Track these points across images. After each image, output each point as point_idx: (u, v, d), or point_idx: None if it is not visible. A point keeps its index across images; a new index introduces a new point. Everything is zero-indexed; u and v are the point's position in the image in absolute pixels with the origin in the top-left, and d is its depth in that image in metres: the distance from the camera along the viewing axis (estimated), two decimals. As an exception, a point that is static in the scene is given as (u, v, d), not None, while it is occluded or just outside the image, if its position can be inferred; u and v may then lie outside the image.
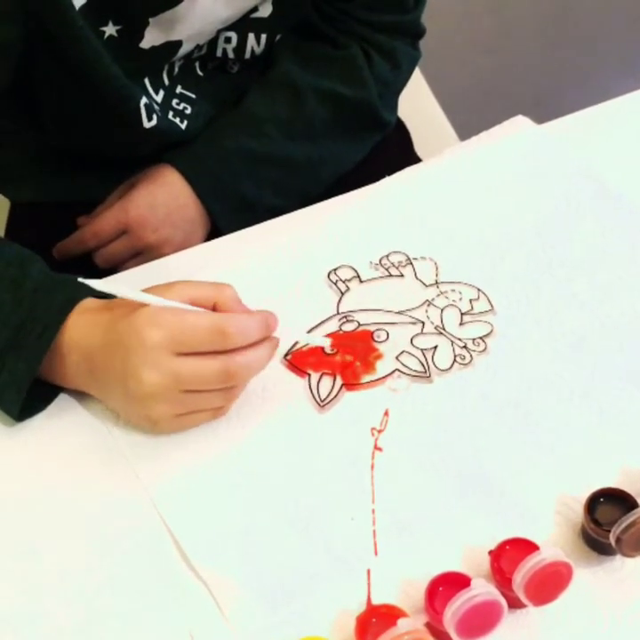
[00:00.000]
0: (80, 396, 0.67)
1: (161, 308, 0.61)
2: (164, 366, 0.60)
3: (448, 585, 0.55)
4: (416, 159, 1.03)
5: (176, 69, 0.86)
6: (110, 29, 0.76)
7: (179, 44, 0.81)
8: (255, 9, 0.83)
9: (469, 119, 1.14)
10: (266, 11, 0.84)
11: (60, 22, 0.71)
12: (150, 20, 0.77)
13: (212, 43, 0.85)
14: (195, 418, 0.64)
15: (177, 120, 0.86)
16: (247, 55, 0.87)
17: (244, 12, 0.82)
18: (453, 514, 0.61)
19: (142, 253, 0.88)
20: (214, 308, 0.63)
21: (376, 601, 0.57)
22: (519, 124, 0.87)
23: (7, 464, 0.65)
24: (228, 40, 0.85)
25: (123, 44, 0.77)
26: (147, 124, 0.82)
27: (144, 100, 0.81)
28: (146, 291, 0.63)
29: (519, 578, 0.54)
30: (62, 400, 0.67)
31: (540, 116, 0.88)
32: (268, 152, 0.88)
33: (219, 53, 0.87)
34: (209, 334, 0.60)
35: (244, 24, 0.84)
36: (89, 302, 0.65)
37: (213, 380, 0.61)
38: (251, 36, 0.86)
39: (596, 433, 0.65)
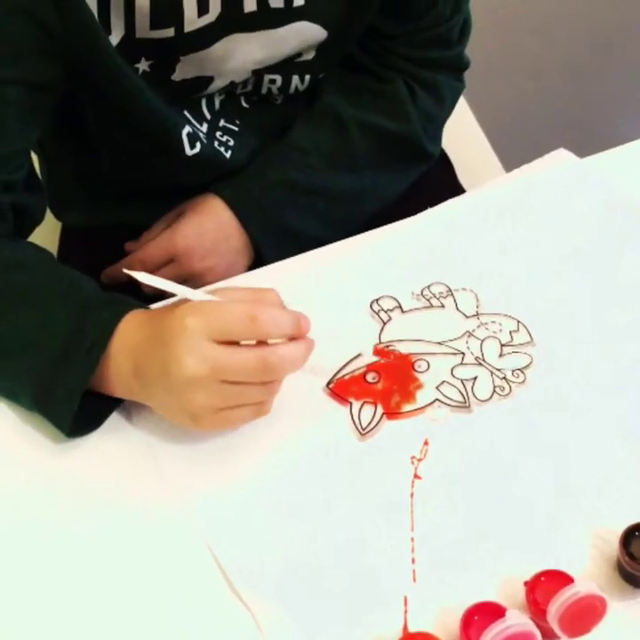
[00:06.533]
0: (126, 418, 0.69)
1: (203, 301, 0.64)
2: (203, 352, 0.61)
3: (483, 614, 0.56)
4: (460, 189, 1.04)
5: (217, 104, 0.88)
6: (143, 65, 0.79)
7: (210, 79, 0.83)
8: (299, 54, 0.85)
9: (513, 146, 1.15)
10: (309, 55, 0.86)
11: (101, 61, 0.74)
12: (181, 57, 0.79)
13: (257, 83, 0.87)
14: (236, 414, 0.64)
15: (222, 149, 0.88)
16: (291, 91, 0.89)
17: (282, 57, 0.84)
18: (490, 544, 0.62)
19: (187, 281, 0.89)
20: None
21: (412, 628, 0.58)
22: (561, 158, 0.87)
23: (55, 484, 0.66)
24: (272, 81, 0.87)
25: (155, 77, 0.79)
26: (189, 152, 0.84)
27: (187, 128, 0.83)
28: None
29: (554, 610, 0.55)
30: (109, 421, 0.69)
31: (585, 145, 0.88)
32: (312, 184, 0.89)
33: (263, 91, 0.89)
34: (241, 319, 0.61)
35: (287, 67, 0.86)
36: (136, 312, 0.67)
37: (251, 371, 0.62)
38: (295, 77, 0.87)
39: (633, 466, 0.66)
